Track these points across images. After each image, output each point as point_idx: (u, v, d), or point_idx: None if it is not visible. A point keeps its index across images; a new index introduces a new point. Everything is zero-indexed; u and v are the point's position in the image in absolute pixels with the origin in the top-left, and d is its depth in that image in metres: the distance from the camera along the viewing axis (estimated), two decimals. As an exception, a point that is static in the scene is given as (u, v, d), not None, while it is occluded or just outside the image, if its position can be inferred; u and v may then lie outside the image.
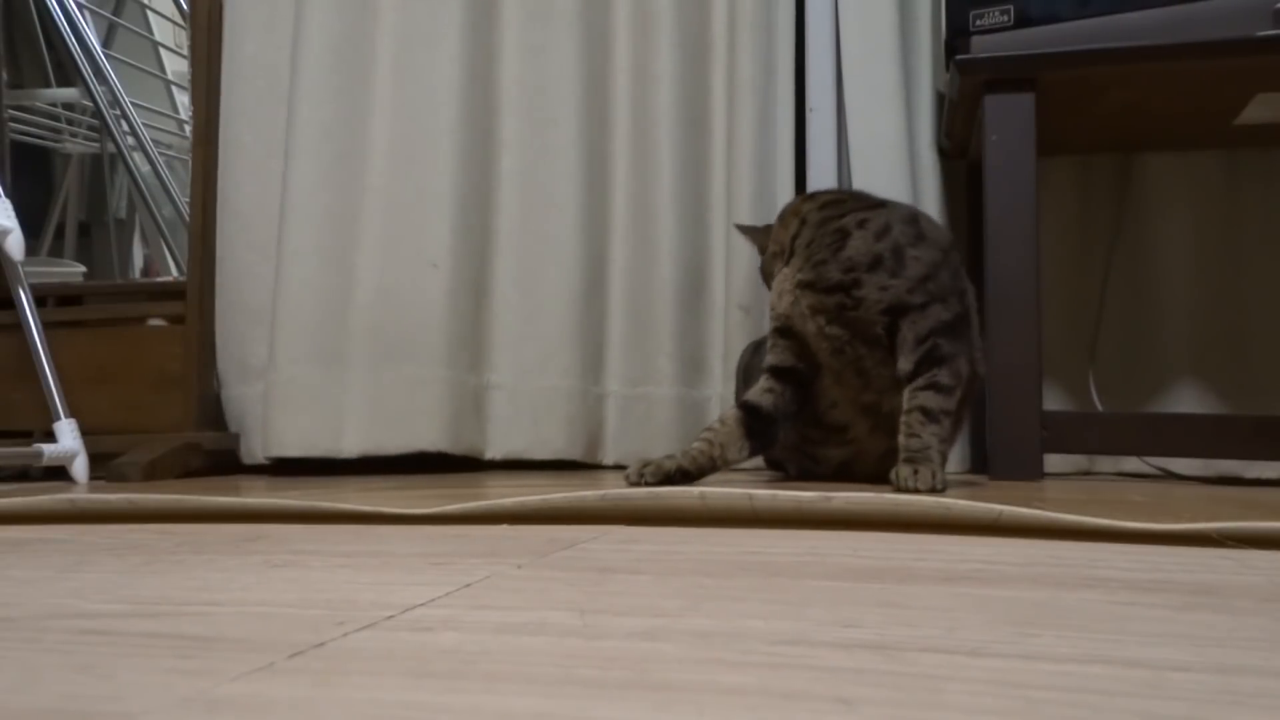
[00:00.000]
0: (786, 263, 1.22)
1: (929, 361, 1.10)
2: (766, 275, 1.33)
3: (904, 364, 1.11)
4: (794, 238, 1.23)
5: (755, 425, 1.15)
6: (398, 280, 1.50)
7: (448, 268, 1.52)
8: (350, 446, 1.47)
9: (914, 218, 1.18)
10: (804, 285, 1.17)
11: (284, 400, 1.48)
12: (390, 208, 1.51)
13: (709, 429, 1.15)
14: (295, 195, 1.50)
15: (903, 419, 1.09)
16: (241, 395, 1.59)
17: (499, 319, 1.57)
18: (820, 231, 1.19)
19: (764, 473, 1.47)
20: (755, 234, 1.35)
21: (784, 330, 1.20)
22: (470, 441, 1.53)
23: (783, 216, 1.29)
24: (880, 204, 1.20)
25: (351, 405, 1.47)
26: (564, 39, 1.63)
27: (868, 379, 1.16)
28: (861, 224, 1.16)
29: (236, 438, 1.69)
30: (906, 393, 1.10)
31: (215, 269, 1.61)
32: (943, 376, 1.09)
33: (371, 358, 1.48)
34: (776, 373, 1.19)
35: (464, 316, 1.54)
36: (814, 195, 1.29)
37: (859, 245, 1.14)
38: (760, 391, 1.19)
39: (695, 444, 1.12)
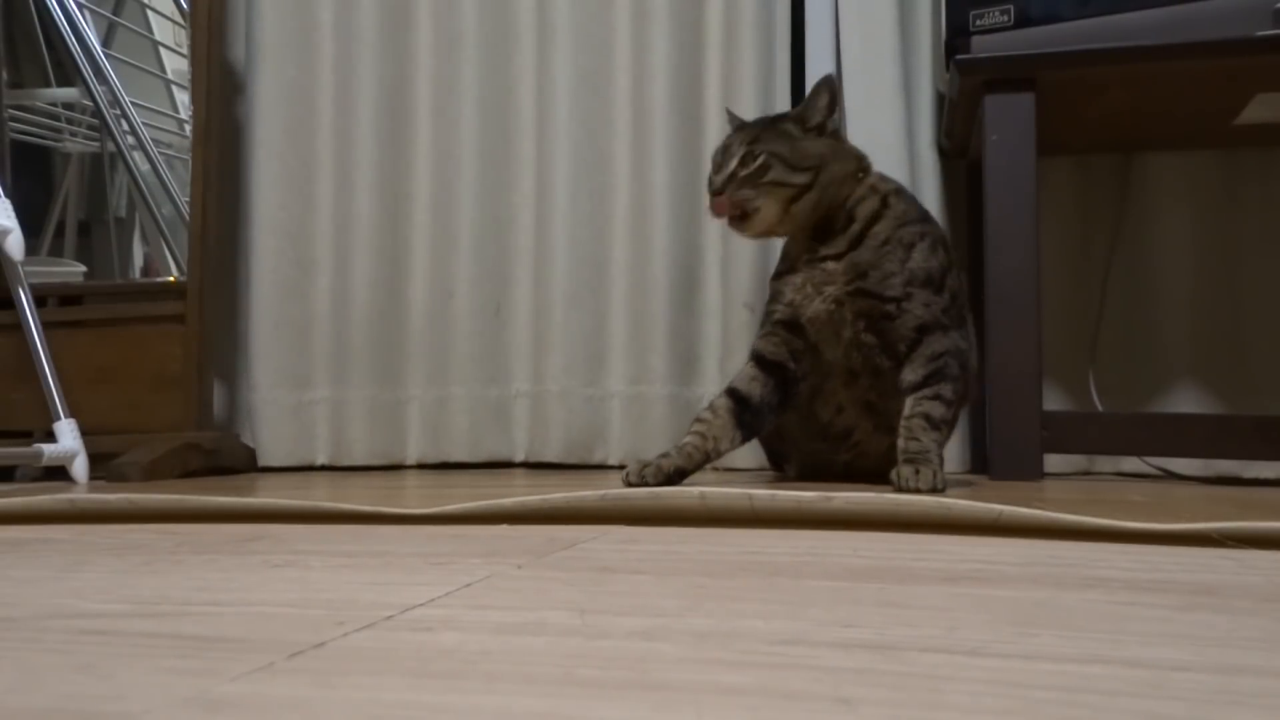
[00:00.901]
0: (845, 247, 1.16)
1: (937, 376, 1.12)
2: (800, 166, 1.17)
3: (911, 375, 1.13)
4: (871, 220, 1.17)
5: (745, 416, 1.16)
6: (440, 304, 1.69)
7: (468, 292, 1.67)
8: (412, 455, 1.68)
9: (946, 240, 1.21)
10: (861, 293, 1.14)
11: (355, 413, 1.67)
12: (433, 240, 1.69)
13: (701, 420, 1.15)
14: (359, 229, 1.69)
15: (904, 423, 1.09)
16: (277, 400, 1.67)
17: (517, 333, 1.68)
18: (897, 234, 1.16)
19: (764, 473, 1.47)
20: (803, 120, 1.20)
21: (793, 325, 1.19)
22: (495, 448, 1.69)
23: (851, 158, 1.20)
24: (926, 215, 1.22)
25: (412, 418, 1.68)
26: (565, 46, 1.65)
27: (876, 378, 1.18)
28: (922, 236, 1.17)
29: (235, 437, 1.70)
30: (911, 400, 1.11)
31: (249, 279, 1.69)
32: (947, 390, 1.12)
33: (428, 376, 1.67)
34: (764, 364, 1.19)
35: (489, 334, 1.67)
36: (885, 179, 1.23)
37: (920, 261, 1.15)
38: (748, 380, 1.18)
39: (688, 438, 1.13)
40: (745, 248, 1.58)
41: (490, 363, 1.67)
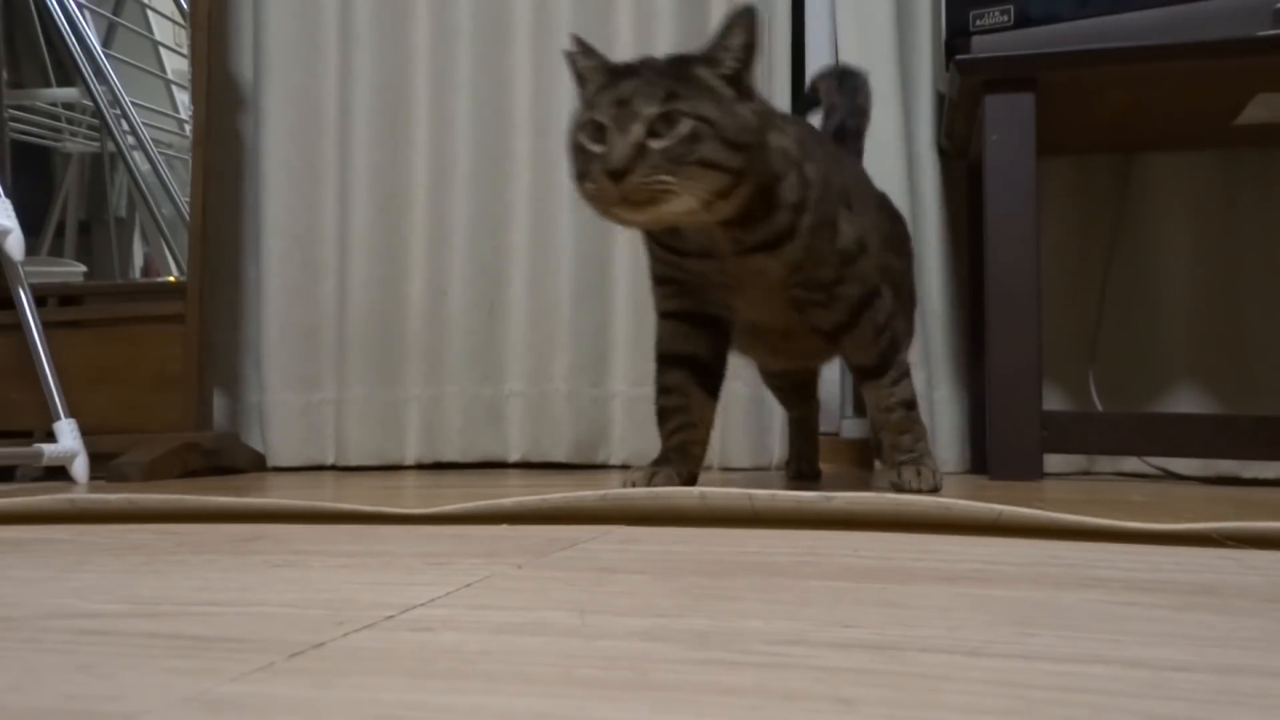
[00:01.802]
0: (775, 238, 0.95)
1: (889, 352, 1.04)
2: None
3: (863, 357, 1.04)
4: (798, 209, 0.95)
5: (707, 381, 1.03)
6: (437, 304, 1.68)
7: (461, 290, 1.67)
8: (411, 455, 1.67)
9: (844, 171, 1.04)
10: (799, 285, 1.00)
11: (355, 413, 1.67)
12: (430, 239, 1.69)
13: (675, 411, 1.02)
14: (357, 230, 1.68)
15: (884, 417, 1.05)
16: (286, 401, 1.68)
17: (512, 332, 1.67)
18: (823, 213, 0.97)
19: (764, 472, 1.48)
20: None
21: (720, 288, 1.02)
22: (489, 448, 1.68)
23: (776, 127, 0.93)
24: (826, 157, 1.00)
25: (411, 418, 1.67)
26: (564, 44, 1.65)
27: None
28: (839, 200, 0.99)
29: (236, 437, 1.70)
30: (878, 391, 1.05)
31: (260, 283, 1.71)
32: (904, 361, 1.07)
33: (424, 375, 1.67)
34: (687, 318, 1.04)
35: (483, 333, 1.67)
36: (785, 132, 0.95)
37: (847, 234, 0.99)
38: (681, 339, 1.03)
39: (678, 437, 1.02)
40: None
41: (484, 362, 1.67)
